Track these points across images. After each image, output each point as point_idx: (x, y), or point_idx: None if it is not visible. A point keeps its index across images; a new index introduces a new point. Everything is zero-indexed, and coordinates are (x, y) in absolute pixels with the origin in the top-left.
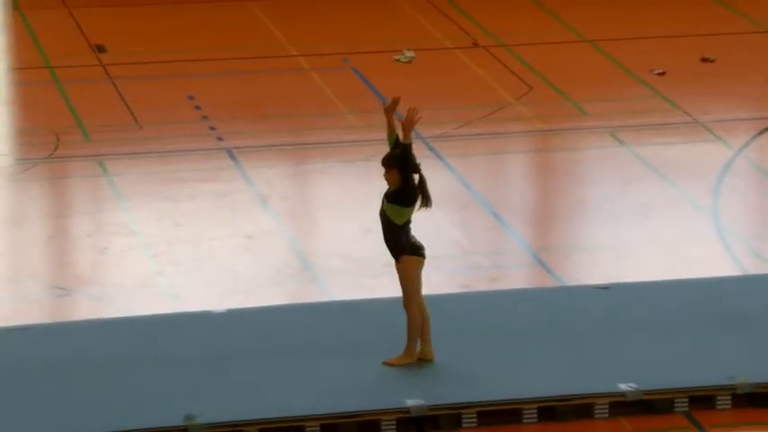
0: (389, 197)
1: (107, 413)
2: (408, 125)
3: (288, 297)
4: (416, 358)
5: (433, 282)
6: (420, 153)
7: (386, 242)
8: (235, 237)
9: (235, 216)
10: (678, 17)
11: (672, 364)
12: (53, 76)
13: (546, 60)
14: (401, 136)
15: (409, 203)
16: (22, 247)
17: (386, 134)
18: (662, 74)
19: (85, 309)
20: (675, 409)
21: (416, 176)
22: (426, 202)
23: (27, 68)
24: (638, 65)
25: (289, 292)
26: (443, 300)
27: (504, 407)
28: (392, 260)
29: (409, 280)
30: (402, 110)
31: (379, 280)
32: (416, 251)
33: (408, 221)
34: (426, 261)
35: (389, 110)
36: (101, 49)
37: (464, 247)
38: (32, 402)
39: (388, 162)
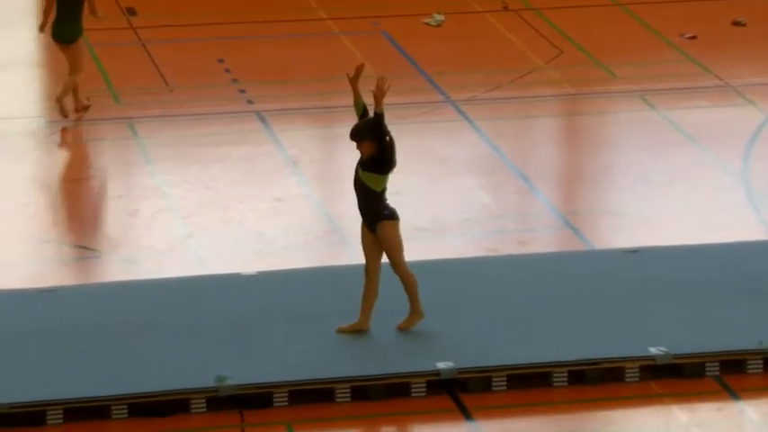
0: (365, 165)
1: (137, 375)
2: (379, 94)
3: (316, 260)
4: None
5: (461, 246)
6: (449, 117)
7: (362, 210)
8: (264, 200)
9: (264, 179)
10: None
11: (702, 329)
12: (84, 39)
13: (576, 24)
14: (374, 105)
15: (386, 170)
16: (52, 209)
17: (352, 103)
18: (693, 38)
19: (115, 271)
20: (707, 373)
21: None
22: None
23: None
24: (668, 28)
25: (317, 255)
26: (472, 264)
27: (534, 370)
28: (424, 223)
29: (395, 244)
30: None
31: (407, 243)
32: (393, 215)
33: (385, 188)
34: (455, 224)
35: (354, 79)
36: (131, 12)
37: (492, 210)
38: (62, 364)
39: (358, 135)
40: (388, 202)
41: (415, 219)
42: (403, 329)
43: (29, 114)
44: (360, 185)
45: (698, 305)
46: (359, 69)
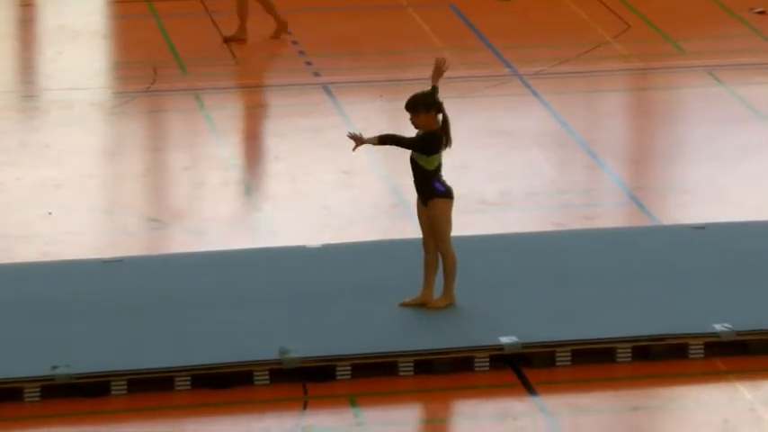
0: (417, 148)
1: (201, 346)
2: (437, 73)
3: (382, 233)
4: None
5: (527, 220)
6: (517, 91)
7: (417, 186)
8: (330, 173)
9: (330, 152)
10: None
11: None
12: (151, 10)
13: None
14: (432, 80)
15: (436, 150)
16: (119, 180)
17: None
18: (762, 12)
19: (181, 242)
20: None
21: (440, 117)
22: (447, 142)
23: (125, 1)
24: (737, 3)
25: (383, 228)
26: (537, 238)
27: (598, 346)
28: (490, 197)
29: (443, 222)
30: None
31: (473, 216)
32: (448, 194)
33: (440, 165)
34: (521, 198)
35: (436, 76)
36: None
37: (559, 185)
38: (127, 335)
39: (414, 106)
40: (444, 179)
41: (482, 192)
42: (430, 307)
43: (96, 85)
44: (414, 164)
45: (765, 283)
46: (356, 138)
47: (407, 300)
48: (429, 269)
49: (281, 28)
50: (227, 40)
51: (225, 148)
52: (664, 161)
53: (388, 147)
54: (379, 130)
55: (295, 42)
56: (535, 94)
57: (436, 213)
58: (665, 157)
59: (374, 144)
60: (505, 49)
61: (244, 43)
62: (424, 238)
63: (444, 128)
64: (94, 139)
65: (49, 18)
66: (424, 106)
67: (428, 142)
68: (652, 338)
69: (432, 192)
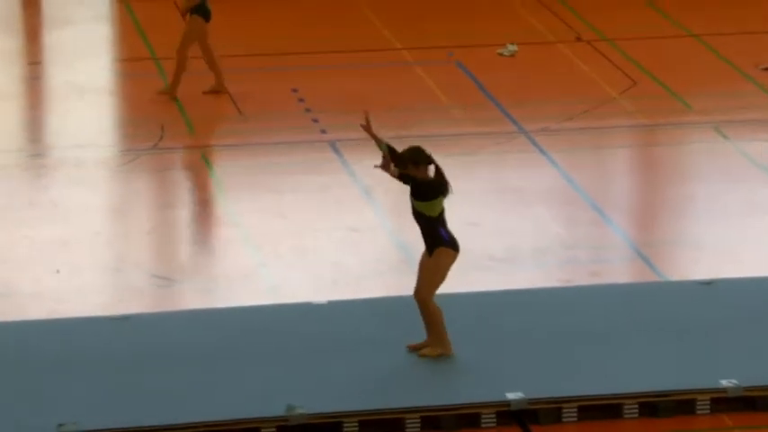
0: (415, 194)
1: (208, 402)
2: (369, 132)
3: (389, 290)
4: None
5: (533, 276)
6: (523, 147)
7: (423, 237)
8: (337, 229)
9: (338, 208)
10: None
11: None
12: (158, 69)
13: (650, 55)
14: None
15: (437, 194)
16: (126, 237)
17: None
18: None
19: (189, 299)
20: None
21: (432, 167)
22: (446, 187)
23: (133, 60)
24: (743, 60)
25: (390, 284)
26: (544, 294)
27: (605, 401)
28: (498, 254)
29: (441, 272)
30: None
31: (481, 273)
32: (453, 244)
33: (443, 211)
34: (528, 254)
35: (367, 127)
36: None
37: (565, 241)
38: (135, 390)
39: (402, 164)
40: (449, 229)
41: (489, 248)
42: (421, 355)
43: (104, 142)
44: (416, 214)
45: None
46: (366, 118)
47: (425, 350)
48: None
49: (220, 87)
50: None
51: (231, 206)
52: (670, 217)
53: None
54: (386, 189)
55: (301, 100)
56: (541, 150)
57: (438, 262)
58: (671, 212)
59: (394, 175)
60: (511, 106)
61: (221, 94)
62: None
63: (440, 175)
64: (101, 197)
65: (57, 76)
66: (412, 162)
67: (425, 187)
68: (659, 394)
69: (437, 240)
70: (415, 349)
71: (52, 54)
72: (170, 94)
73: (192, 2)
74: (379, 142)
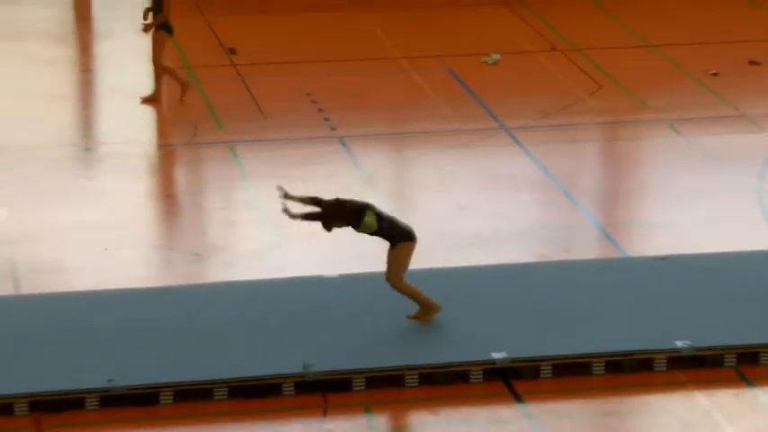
0: (352, 225)
1: (235, 362)
2: (291, 198)
3: None
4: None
5: (516, 253)
6: (504, 142)
7: (384, 239)
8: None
9: (344, 194)
10: (729, 24)
11: (721, 326)
12: (191, 75)
13: (614, 62)
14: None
15: (361, 220)
16: (165, 219)
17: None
18: (716, 74)
19: (216, 273)
20: (725, 364)
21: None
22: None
23: None
24: (695, 66)
25: None
26: (523, 268)
27: (577, 360)
28: (483, 234)
29: (403, 260)
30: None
31: (470, 250)
32: (409, 236)
33: (381, 218)
34: (511, 235)
35: (287, 199)
36: (232, 51)
37: (542, 222)
38: (172, 353)
39: (342, 222)
40: (400, 223)
41: (477, 230)
42: (413, 318)
43: (145, 139)
44: (368, 233)
45: (718, 305)
46: (282, 192)
47: (412, 313)
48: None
49: (185, 89)
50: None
51: (253, 192)
52: (631, 201)
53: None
54: (386, 175)
55: (314, 101)
56: (520, 144)
57: (398, 253)
58: (632, 197)
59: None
60: (494, 106)
61: (189, 89)
62: None
63: (339, 204)
64: (143, 185)
65: (106, 81)
66: (342, 218)
67: (346, 216)
68: (623, 354)
69: (394, 237)
70: (414, 318)
71: (101, 62)
72: (156, 98)
73: (159, 20)
74: (304, 202)
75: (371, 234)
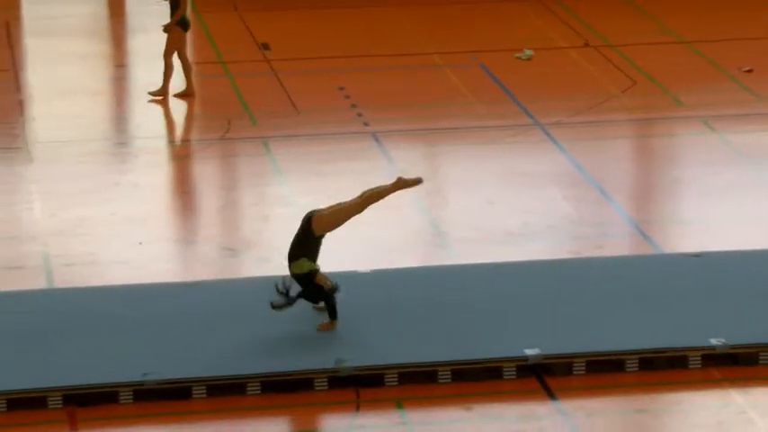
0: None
1: (268, 357)
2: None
3: (423, 260)
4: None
5: (546, 249)
6: (538, 138)
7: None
8: (376, 208)
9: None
10: (763, 21)
11: (756, 323)
12: (225, 70)
13: (647, 58)
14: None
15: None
16: (199, 214)
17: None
18: (749, 71)
19: (249, 268)
20: (760, 362)
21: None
22: None
23: (204, 63)
24: (728, 62)
25: (423, 255)
26: (556, 264)
27: (609, 357)
28: (515, 230)
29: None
30: None
31: (500, 246)
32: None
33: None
34: (541, 230)
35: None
36: (266, 47)
37: (574, 218)
38: (206, 346)
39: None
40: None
41: (507, 225)
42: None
43: (179, 134)
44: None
45: (753, 303)
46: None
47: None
48: None
49: (188, 92)
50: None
51: (286, 187)
52: (664, 198)
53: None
54: (418, 171)
55: (347, 97)
56: (553, 140)
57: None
58: (665, 194)
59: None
60: (528, 103)
61: (190, 97)
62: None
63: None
64: (177, 180)
65: (139, 77)
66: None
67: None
68: (656, 351)
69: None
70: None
71: (134, 58)
72: (162, 94)
73: (176, 17)
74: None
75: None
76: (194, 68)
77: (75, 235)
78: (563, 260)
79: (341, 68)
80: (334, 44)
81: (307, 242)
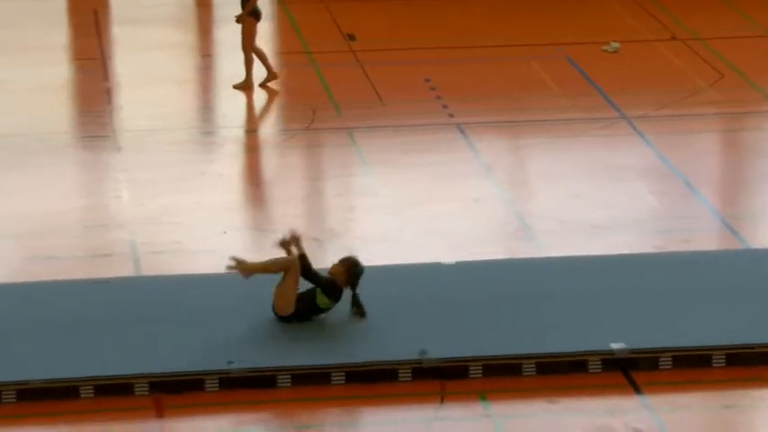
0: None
1: (352, 347)
2: (294, 241)
3: (508, 252)
4: None
5: (632, 242)
6: (623, 131)
7: (299, 308)
8: (462, 199)
9: (462, 181)
10: None
11: None
12: (311, 60)
13: (735, 52)
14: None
15: (334, 298)
16: (284, 204)
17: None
18: None
19: (335, 258)
20: None
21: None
22: (338, 299)
23: (289, 53)
24: None
25: (508, 248)
26: (642, 258)
27: (696, 352)
28: (600, 223)
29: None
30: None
31: (588, 241)
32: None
33: (327, 310)
34: (627, 223)
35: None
36: (351, 37)
37: (659, 212)
38: (292, 336)
39: (341, 260)
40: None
41: (593, 218)
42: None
43: (264, 123)
44: (311, 295)
45: None
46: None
47: None
48: None
49: (271, 77)
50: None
51: (372, 178)
52: (754, 192)
53: (513, 176)
54: (503, 165)
55: (433, 88)
56: (639, 134)
57: (285, 295)
58: (754, 188)
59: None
60: (614, 95)
61: (249, 89)
62: None
63: (354, 300)
64: (262, 169)
65: (225, 66)
66: (347, 267)
67: (331, 288)
68: (744, 347)
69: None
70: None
71: (220, 48)
72: (247, 86)
73: (249, 7)
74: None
75: (308, 301)
76: (280, 58)
77: (161, 223)
78: (648, 254)
79: (426, 60)
80: (419, 35)
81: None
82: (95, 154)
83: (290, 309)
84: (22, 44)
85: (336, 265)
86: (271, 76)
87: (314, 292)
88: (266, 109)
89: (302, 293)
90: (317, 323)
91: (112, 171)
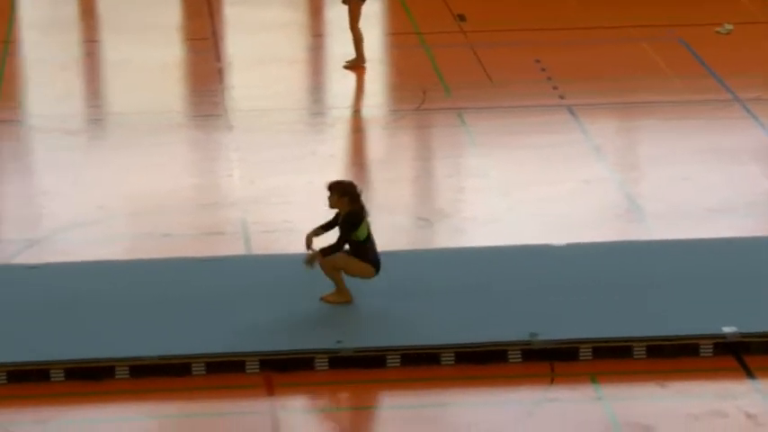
0: (345, 228)
1: (468, 328)
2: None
3: (619, 234)
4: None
5: (744, 225)
6: (736, 114)
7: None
8: (572, 181)
9: (572, 163)
10: None
11: None
12: (421, 41)
13: None
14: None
15: (359, 223)
16: (394, 184)
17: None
18: None
19: (445, 239)
20: None
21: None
22: (364, 211)
23: (399, 34)
24: None
25: (620, 230)
26: (754, 242)
27: None
28: (711, 206)
29: (352, 268)
30: None
31: (699, 224)
32: (376, 264)
33: (370, 235)
34: (740, 206)
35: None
36: (462, 18)
37: None
38: (399, 316)
39: (331, 188)
40: (375, 250)
41: (704, 200)
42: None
43: (374, 104)
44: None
45: None
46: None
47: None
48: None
49: (360, 61)
50: (346, 67)
51: (482, 159)
52: None
53: (623, 158)
54: (615, 146)
55: (543, 69)
56: (753, 117)
57: (359, 265)
58: None
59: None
60: (727, 78)
61: (362, 70)
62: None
63: (357, 202)
64: (373, 150)
65: (335, 47)
66: (338, 192)
67: (350, 221)
68: None
69: (364, 257)
70: (324, 299)
71: (331, 28)
72: (358, 64)
73: None
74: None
75: (350, 244)
76: (390, 39)
77: (272, 203)
78: (762, 237)
79: (536, 41)
80: (529, 16)
81: None
82: (208, 133)
83: (371, 272)
84: (137, 24)
85: (330, 197)
86: (358, 60)
87: (351, 240)
88: (377, 90)
89: (349, 252)
90: (426, 304)
91: (224, 150)
